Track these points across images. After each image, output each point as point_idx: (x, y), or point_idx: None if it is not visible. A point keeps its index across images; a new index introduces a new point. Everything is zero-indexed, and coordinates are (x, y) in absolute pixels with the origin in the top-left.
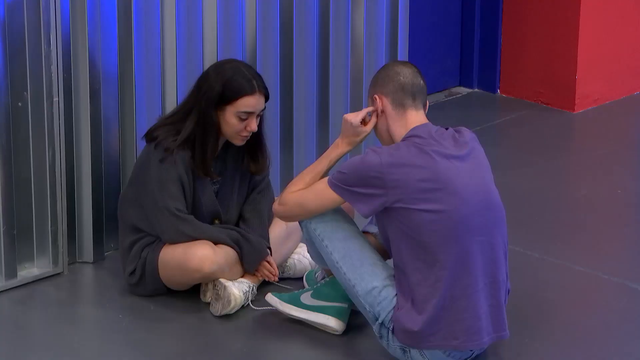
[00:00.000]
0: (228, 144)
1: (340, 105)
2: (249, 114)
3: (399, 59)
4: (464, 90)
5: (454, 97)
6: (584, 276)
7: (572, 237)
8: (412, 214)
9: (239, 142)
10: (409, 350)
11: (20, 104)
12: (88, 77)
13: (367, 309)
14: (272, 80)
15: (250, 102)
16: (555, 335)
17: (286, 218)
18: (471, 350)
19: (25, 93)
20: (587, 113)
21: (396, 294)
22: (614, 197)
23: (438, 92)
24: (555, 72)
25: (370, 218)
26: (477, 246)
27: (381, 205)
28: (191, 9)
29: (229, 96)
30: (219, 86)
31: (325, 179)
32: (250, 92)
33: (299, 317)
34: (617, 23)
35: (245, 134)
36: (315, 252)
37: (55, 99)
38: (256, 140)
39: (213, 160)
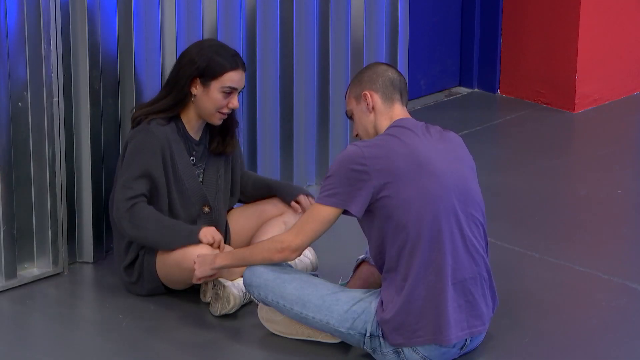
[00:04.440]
0: (209, 131)
1: (340, 105)
2: (233, 89)
3: (399, 59)
4: (464, 90)
5: (454, 97)
6: (584, 276)
7: (572, 237)
8: (393, 201)
9: (217, 120)
10: (402, 351)
11: (20, 104)
12: (88, 77)
13: (352, 334)
14: (272, 80)
15: (235, 77)
16: (555, 335)
17: (300, 255)
18: (453, 347)
19: (25, 93)
20: (587, 113)
21: (372, 302)
22: (614, 197)
23: (438, 92)
24: (555, 72)
25: (366, 251)
26: (449, 235)
27: (368, 195)
28: (191, 9)
29: (214, 71)
30: (202, 61)
31: (315, 203)
32: (235, 68)
33: (298, 333)
34: (617, 23)
35: (225, 110)
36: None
37: (55, 99)
38: (229, 121)
39: (196, 144)
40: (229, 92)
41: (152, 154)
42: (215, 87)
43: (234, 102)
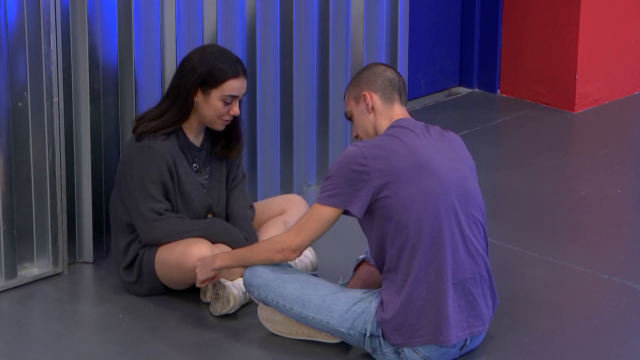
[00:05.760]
0: (210, 136)
1: (340, 105)
2: (234, 97)
3: (399, 59)
4: (464, 90)
5: (454, 97)
6: (584, 276)
7: (572, 237)
8: (393, 201)
9: (219, 127)
10: (402, 351)
11: (20, 104)
12: (88, 77)
13: (352, 334)
14: (272, 80)
15: (236, 85)
16: (555, 335)
17: (300, 255)
18: (454, 347)
19: (25, 93)
20: (587, 113)
21: (372, 302)
22: (613, 197)
23: (438, 92)
24: (555, 72)
25: (366, 251)
26: (450, 235)
27: (369, 195)
28: (191, 9)
29: (214, 80)
30: (203, 69)
31: (315, 203)
32: (235, 76)
33: (298, 333)
34: (617, 23)
35: (227, 118)
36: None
37: (55, 99)
38: (233, 126)
39: (197, 151)
40: (230, 100)
41: (159, 169)
42: (216, 95)
43: (235, 109)
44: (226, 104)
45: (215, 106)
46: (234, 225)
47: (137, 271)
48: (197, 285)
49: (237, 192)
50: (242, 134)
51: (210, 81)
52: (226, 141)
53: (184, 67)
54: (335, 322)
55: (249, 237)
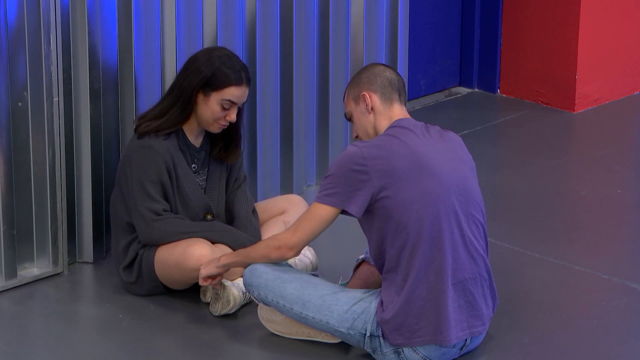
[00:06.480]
0: (210, 137)
1: (340, 105)
2: (232, 103)
3: (399, 59)
4: (464, 90)
5: (454, 97)
6: (584, 276)
7: (572, 237)
8: (393, 201)
9: (214, 129)
10: (402, 351)
11: (20, 104)
12: (88, 77)
13: (352, 334)
14: (272, 80)
15: (236, 93)
16: (555, 335)
17: (298, 253)
18: (454, 347)
19: (25, 93)
20: (587, 113)
21: (372, 302)
22: (613, 197)
23: (438, 92)
24: (555, 72)
25: (366, 251)
26: (450, 235)
27: (368, 195)
28: (191, 9)
29: (216, 83)
30: (208, 71)
31: (314, 202)
32: (238, 83)
33: (298, 333)
34: (617, 23)
35: (223, 122)
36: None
37: (55, 99)
38: (233, 131)
39: (197, 151)
40: (228, 106)
41: (158, 169)
42: (215, 98)
43: (232, 116)
44: (224, 109)
45: (212, 109)
46: (239, 228)
47: (137, 271)
48: (200, 283)
49: (240, 195)
50: (242, 141)
51: (212, 84)
52: (225, 145)
53: (189, 66)
54: (335, 322)
55: (255, 239)
